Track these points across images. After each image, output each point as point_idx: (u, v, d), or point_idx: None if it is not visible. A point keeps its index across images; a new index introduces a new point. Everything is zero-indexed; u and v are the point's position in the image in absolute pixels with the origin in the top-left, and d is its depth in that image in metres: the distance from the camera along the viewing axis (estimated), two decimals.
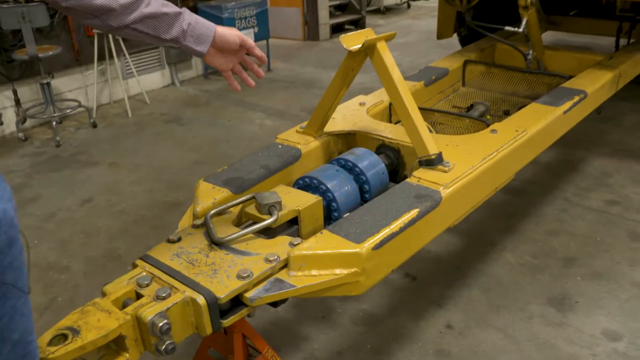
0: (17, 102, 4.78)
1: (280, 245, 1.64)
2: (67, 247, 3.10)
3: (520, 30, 3.21)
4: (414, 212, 1.72)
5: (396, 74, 2.01)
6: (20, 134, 4.76)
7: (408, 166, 2.27)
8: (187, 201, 3.50)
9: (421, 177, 1.92)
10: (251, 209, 1.79)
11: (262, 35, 6.49)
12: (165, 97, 5.85)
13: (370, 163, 2.08)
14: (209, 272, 1.55)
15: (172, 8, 1.42)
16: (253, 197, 1.82)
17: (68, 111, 5.00)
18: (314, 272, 1.56)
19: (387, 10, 10.05)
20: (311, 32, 8.17)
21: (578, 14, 4.84)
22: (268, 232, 1.76)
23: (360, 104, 2.73)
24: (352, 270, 1.56)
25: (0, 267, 0.97)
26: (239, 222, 1.87)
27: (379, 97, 2.78)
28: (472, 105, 3.09)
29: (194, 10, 6.26)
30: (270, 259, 1.56)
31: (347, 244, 1.57)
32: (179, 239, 1.71)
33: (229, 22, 6.02)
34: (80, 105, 5.02)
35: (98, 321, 1.37)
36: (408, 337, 2.28)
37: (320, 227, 1.87)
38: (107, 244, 3.11)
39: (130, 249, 3.03)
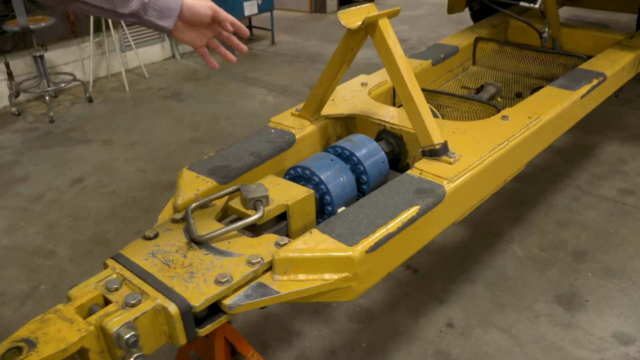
0: (10, 75, 4.62)
1: (265, 245, 1.50)
2: (53, 231, 2.97)
3: (536, 6, 2.99)
4: (413, 210, 1.56)
5: (399, 55, 1.82)
6: (14, 109, 4.61)
7: (411, 154, 2.10)
8: None
9: (423, 169, 1.76)
10: (236, 203, 1.64)
11: (266, 6, 6.23)
12: (165, 71, 5.66)
13: (369, 152, 1.91)
14: (185, 275, 1.40)
15: None
16: (239, 189, 1.68)
17: (62, 85, 4.83)
18: (300, 276, 1.41)
19: None
20: (318, 3, 7.88)
21: None
22: (254, 229, 1.62)
23: (362, 84, 2.54)
24: (343, 275, 1.41)
25: None
26: (224, 216, 1.72)
27: (382, 77, 2.60)
28: (482, 86, 2.90)
29: None
30: (253, 261, 1.42)
31: (338, 246, 1.42)
32: (156, 236, 1.56)
33: None
34: (75, 79, 4.85)
35: (58, 332, 1.23)
36: (406, 335, 2.15)
37: (311, 223, 1.73)
38: (95, 228, 2.98)
39: (119, 234, 2.91)
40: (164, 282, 1.37)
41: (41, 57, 4.48)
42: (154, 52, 5.88)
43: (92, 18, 4.98)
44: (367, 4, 1.88)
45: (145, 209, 3.16)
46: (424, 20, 7.12)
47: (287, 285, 1.40)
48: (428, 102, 2.57)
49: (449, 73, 3.10)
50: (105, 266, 1.47)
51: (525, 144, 2.02)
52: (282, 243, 1.48)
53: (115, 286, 1.38)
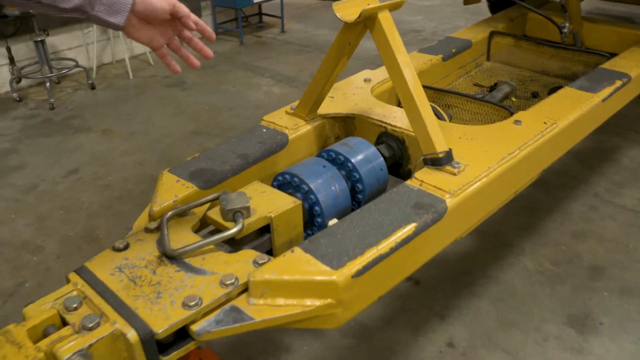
0: (12, 60, 4.52)
1: (243, 263, 1.35)
2: (44, 224, 2.87)
3: None
4: (410, 228, 1.40)
5: (401, 52, 1.66)
6: (15, 94, 4.51)
7: (413, 159, 1.94)
8: None
9: (424, 180, 1.59)
10: (214, 213, 1.49)
11: None
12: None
13: (366, 157, 1.75)
14: (152, 295, 1.27)
15: None
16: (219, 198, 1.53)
17: (64, 71, 4.72)
18: (279, 300, 1.27)
19: None
20: None
21: None
22: (234, 242, 1.48)
23: (365, 80, 2.38)
24: (326, 301, 1.27)
25: None
26: (204, 225, 1.58)
27: (387, 74, 2.42)
28: (495, 85, 2.72)
29: None
30: (227, 282, 1.28)
31: (321, 268, 1.27)
32: (126, 247, 1.43)
33: None
34: (77, 65, 4.73)
35: (3, 358, 1.11)
36: (403, 355, 2.01)
37: (299, 236, 1.58)
38: (86, 222, 2.87)
39: (110, 230, 2.79)
40: (126, 302, 1.24)
41: (42, 42, 4.36)
42: None
43: None
44: None
45: (139, 203, 3.03)
46: (439, 10, 6.88)
47: (263, 311, 1.25)
48: (435, 102, 2.41)
49: (461, 69, 2.91)
50: (68, 280, 1.34)
51: (539, 153, 1.84)
52: (260, 262, 1.34)
53: (74, 305, 1.25)
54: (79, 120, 4.16)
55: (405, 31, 5.94)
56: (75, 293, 1.29)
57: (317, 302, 1.26)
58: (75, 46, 5.08)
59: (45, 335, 1.20)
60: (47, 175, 3.36)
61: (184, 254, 1.37)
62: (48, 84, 4.37)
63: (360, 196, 1.75)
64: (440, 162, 1.63)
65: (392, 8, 1.67)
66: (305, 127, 2.00)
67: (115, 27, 1.14)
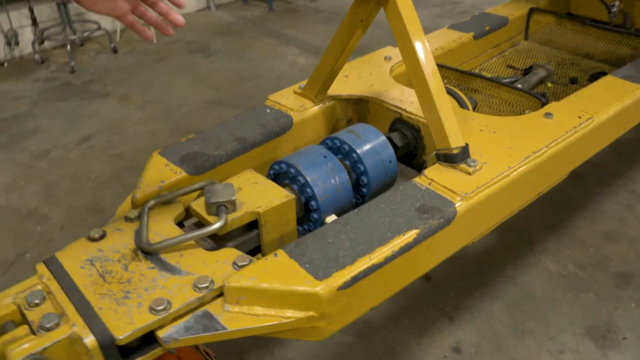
0: (34, 21, 4.45)
1: (222, 264, 1.23)
2: (52, 193, 2.82)
3: None
4: (411, 234, 1.25)
5: (417, 34, 1.47)
6: (37, 56, 4.46)
7: (429, 150, 1.77)
8: None
9: (434, 178, 1.43)
10: (198, 205, 1.37)
11: None
12: (197, 23, 5.37)
13: (374, 148, 1.59)
14: (119, 294, 1.16)
15: None
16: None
17: (86, 34, 4.63)
18: (257, 309, 1.15)
19: None
20: None
21: None
22: (217, 237, 1.36)
23: (386, 58, 2.19)
24: (308, 314, 1.14)
25: None
26: (190, 215, 1.46)
27: None
28: (530, 68, 2.48)
29: None
30: (200, 285, 1.16)
31: (304, 277, 1.14)
32: (102, 237, 1.33)
33: None
34: (99, 28, 4.64)
35: None
36: (404, 358, 1.88)
37: (292, 233, 1.44)
38: (93, 193, 2.81)
39: (116, 202, 2.72)
40: (91, 302, 1.14)
41: (64, 4, 4.27)
42: (188, 2, 5.56)
43: None
44: None
45: None
46: None
47: (237, 319, 1.14)
48: (459, 86, 2.21)
49: (495, 48, 2.67)
50: (36, 272, 1.25)
51: (569, 151, 1.64)
52: (240, 264, 1.21)
53: (36, 301, 1.16)
54: (98, 85, 4.09)
55: (442, 1, 5.61)
56: (39, 287, 1.20)
57: (298, 314, 1.14)
58: None
59: (3, 332, 1.12)
60: (60, 142, 3.31)
61: (160, 249, 1.26)
62: (69, 47, 4.30)
63: (364, 190, 1.59)
64: (454, 158, 1.46)
65: None
66: (312, 109, 1.85)
67: (65, 1, 1.00)
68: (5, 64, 4.47)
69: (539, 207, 2.53)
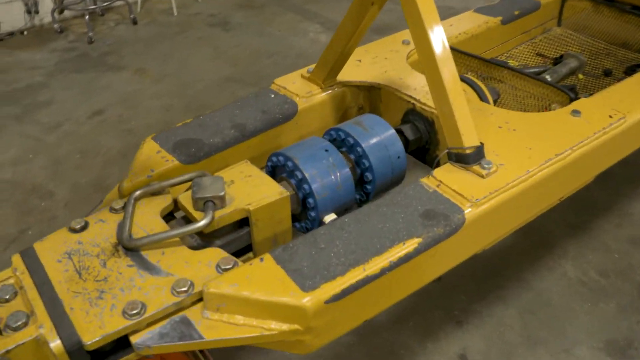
0: None
1: (205, 266, 1.14)
2: (59, 168, 2.78)
3: None
4: (412, 244, 1.14)
5: (431, 20, 1.33)
6: (56, 25, 4.41)
7: (443, 145, 1.64)
8: None
9: (443, 180, 1.31)
10: (186, 198, 1.28)
11: None
12: None
13: (380, 142, 1.47)
14: (94, 293, 1.09)
15: None
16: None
17: (106, 4, 4.55)
18: (238, 317, 1.06)
19: None
20: None
21: None
22: (205, 235, 1.27)
23: (403, 42, 2.04)
24: (293, 327, 1.05)
25: None
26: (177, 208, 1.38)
27: None
28: (561, 57, 2.31)
29: None
30: (179, 289, 1.08)
31: (289, 287, 1.04)
32: (84, 228, 1.25)
33: None
34: None
35: None
36: None
37: (285, 232, 1.35)
38: (101, 170, 2.76)
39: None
40: (63, 300, 1.07)
41: None
42: None
43: None
44: None
45: None
46: None
47: (216, 328, 1.05)
48: (482, 75, 2.06)
49: (524, 34, 2.49)
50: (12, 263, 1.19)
51: (596, 154, 1.50)
52: (224, 267, 1.12)
53: (6, 296, 1.10)
54: (115, 57, 4.02)
55: None
56: (12, 281, 1.13)
57: (282, 327, 1.05)
58: None
59: None
60: (72, 115, 3.26)
61: (141, 246, 1.17)
62: (87, 17, 4.23)
63: (369, 187, 1.48)
64: (466, 159, 1.33)
65: None
66: (319, 96, 1.73)
67: None
68: (25, 33, 4.43)
69: (560, 206, 2.36)
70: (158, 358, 1.35)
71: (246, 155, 1.54)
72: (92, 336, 1.00)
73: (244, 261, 1.33)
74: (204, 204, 1.22)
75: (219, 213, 1.22)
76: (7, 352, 0.98)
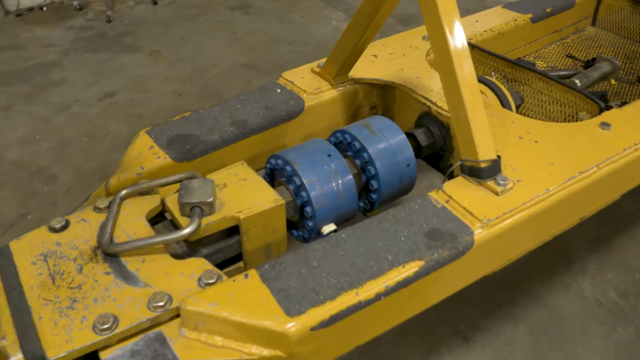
0: None
1: (187, 278, 1.06)
2: (65, 151, 2.73)
3: None
4: (412, 267, 1.04)
5: (447, 11, 1.21)
6: (75, 2, 4.35)
7: (457, 153, 1.52)
8: None
9: (453, 195, 1.19)
10: (172, 201, 1.19)
11: None
12: None
13: (389, 148, 1.36)
14: (65, 302, 1.01)
15: None
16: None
17: None
18: (217, 339, 0.98)
19: None
20: None
21: None
22: (191, 241, 1.18)
23: (424, 38, 1.92)
24: (274, 352, 0.96)
25: None
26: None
27: None
28: (593, 60, 2.15)
29: None
30: (156, 304, 0.99)
31: (273, 310, 0.95)
32: (64, 227, 1.18)
33: None
34: None
35: None
36: None
37: (279, 242, 1.25)
38: (106, 155, 2.70)
39: None
40: (32, 309, 1.00)
41: None
42: None
43: None
44: None
45: None
46: None
47: (193, 348, 0.97)
48: (505, 77, 1.92)
49: (555, 34, 2.34)
50: None
51: (625, 173, 1.37)
52: (206, 281, 1.04)
53: None
54: (131, 37, 3.94)
55: None
56: None
57: (263, 352, 0.96)
58: None
59: None
60: (82, 96, 3.20)
61: (120, 252, 1.09)
62: None
63: (374, 196, 1.38)
64: (480, 173, 1.21)
65: None
66: (329, 93, 1.63)
67: None
68: (44, 9, 4.38)
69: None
70: None
71: (246, 154, 1.45)
72: (57, 351, 0.93)
73: (234, 270, 1.25)
74: (190, 209, 1.13)
75: (206, 220, 1.13)
76: None
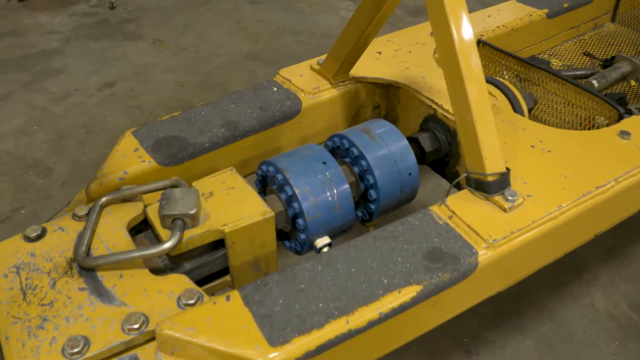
0: None
1: (165, 297, 0.98)
2: (61, 142, 2.66)
3: None
4: (409, 292, 0.95)
5: (457, 13, 1.11)
6: None
7: (464, 160, 1.43)
8: None
9: (457, 211, 1.10)
10: (153, 211, 1.11)
11: None
12: None
13: (390, 156, 1.27)
14: (35, 320, 0.94)
15: None
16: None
17: None
18: None
19: None
20: None
21: None
22: (174, 255, 1.10)
23: (432, 35, 1.81)
24: None
25: None
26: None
27: None
28: (612, 59, 2.04)
29: None
30: (130, 326, 0.92)
31: (254, 338, 0.87)
32: (40, 237, 1.10)
33: None
34: None
35: None
36: None
37: (268, 255, 1.17)
38: (103, 148, 2.63)
39: None
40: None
41: None
42: None
43: None
44: None
45: None
46: None
47: None
48: (518, 76, 1.82)
49: (572, 30, 2.22)
50: None
51: None
52: (186, 302, 0.96)
53: None
54: (134, 25, 3.85)
55: None
56: None
57: None
58: None
59: None
60: (82, 85, 3.12)
61: (96, 267, 1.02)
62: None
63: (372, 207, 1.29)
64: (487, 188, 1.12)
65: None
66: (328, 92, 1.53)
67: None
68: None
69: None
70: None
71: (238, 157, 1.37)
72: None
73: (221, 284, 1.18)
74: (172, 221, 1.05)
75: (188, 233, 1.05)
76: None
